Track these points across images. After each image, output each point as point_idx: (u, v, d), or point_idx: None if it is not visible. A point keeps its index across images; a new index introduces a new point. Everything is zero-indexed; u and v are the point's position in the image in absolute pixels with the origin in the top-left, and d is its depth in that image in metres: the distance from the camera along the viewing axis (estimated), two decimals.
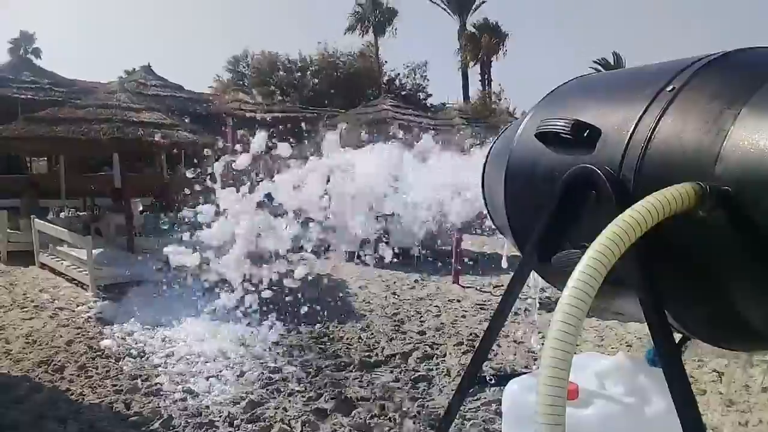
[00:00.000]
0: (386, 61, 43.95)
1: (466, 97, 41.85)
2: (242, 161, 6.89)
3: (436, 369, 5.93)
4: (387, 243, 11.28)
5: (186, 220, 7.84)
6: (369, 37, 44.06)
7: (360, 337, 6.95)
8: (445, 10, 43.87)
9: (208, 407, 5.00)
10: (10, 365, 5.92)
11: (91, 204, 14.14)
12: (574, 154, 1.35)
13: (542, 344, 1.06)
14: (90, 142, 10.50)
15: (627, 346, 6.59)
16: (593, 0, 77.18)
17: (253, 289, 7.11)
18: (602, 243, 1.02)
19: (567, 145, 1.37)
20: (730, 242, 1.05)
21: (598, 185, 1.24)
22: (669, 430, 1.27)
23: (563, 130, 1.36)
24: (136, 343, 6.61)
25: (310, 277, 7.81)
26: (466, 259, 10.60)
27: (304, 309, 7.74)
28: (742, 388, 5.13)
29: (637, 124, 1.24)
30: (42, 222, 10.91)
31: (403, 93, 39.45)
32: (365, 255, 11.30)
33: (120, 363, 6.00)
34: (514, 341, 6.74)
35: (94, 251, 9.08)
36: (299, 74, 40.41)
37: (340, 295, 8.95)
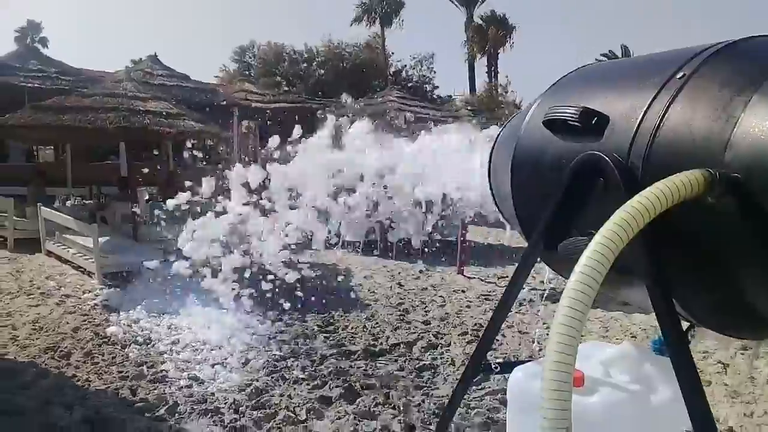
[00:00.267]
0: (393, 53, 43.89)
1: (472, 89, 41.77)
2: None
3: (441, 358, 5.94)
4: (391, 233, 11.33)
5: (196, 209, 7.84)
6: (375, 29, 44.00)
7: (365, 327, 6.97)
8: (452, 1, 43.74)
9: (213, 394, 5.02)
10: (17, 351, 5.95)
11: (98, 192, 14.20)
12: (582, 141, 1.35)
13: (547, 334, 1.06)
14: (96, 131, 10.50)
15: (632, 337, 6.58)
16: None
17: (259, 277, 7.14)
18: (610, 229, 1.02)
19: (575, 132, 1.37)
20: (740, 229, 1.05)
21: (606, 172, 1.24)
22: (675, 417, 1.28)
23: (571, 117, 1.36)
24: (141, 331, 6.64)
25: (315, 267, 7.84)
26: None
27: (310, 298, 7.77)
28: (747, 380, 5.13)
29: (646, 112, 1.23)
30: (48, 210, 10.95)
31: (410, 85, 39.38)
32: (370, 245, 11.37)
33: (126, 350, 6.03)
34: (519, 332, 6.76)
35: (100, 239, 9.11)
36: (305, 65, 40.35)
37: (346, 284, 8.96)
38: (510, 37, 41.35)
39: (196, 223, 6.99)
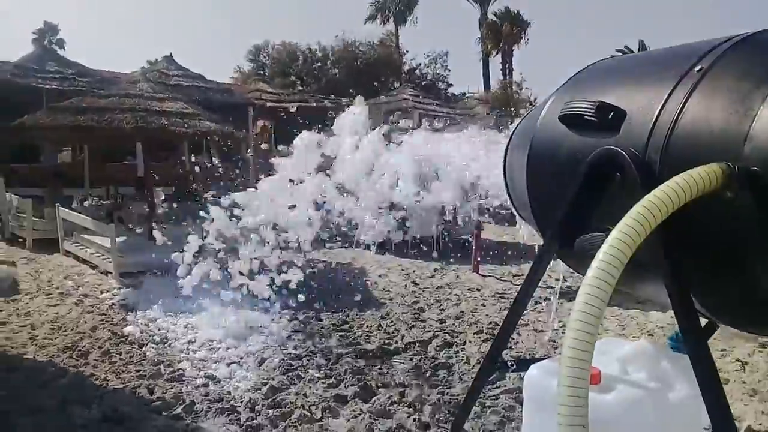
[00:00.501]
0: (407, 51, 43.88)
1: (487, 86, 41.65)
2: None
3: (456, 357, 5.93)
4: (406, 232, 11.33)
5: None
6: (389, 27, 44.03)
7: (380, 325, 6.97)
8: None
9: (229, 393, 5.04)
10: (36, 350, 6.02)
11: (114, 193, 14.30)
12: (599, 136, 1.34)
13: (563, 332, 1.05)
14: (113, 131, 10.58)
15: (648, 335, 6.53)
16: None
17: (275, 277, 7.16)
18: (627, 224, 1.01)
19: (591, 127, 1.35)
20: (759, 223, 1.03)
21: (623, 167, 1.23)
22: (693, 414, 1.26)
23: (587, 112, 1.35)
24: (158, 330, 6.68)
25: (331, 265, 7.86)
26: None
27: (325, 297, 7.79)
28: (765, 378, 5.07)
29: (663, 106, 1.22)
30: (66, 210, 11.05)
31: (424, 83, 39.35)
32: (386, 244, 11.36)
33: (143, 349, 6.07)
34: (535, 330, 6.73)
35: (117, 239, 9.19)
36: (319, 64, 40.43)
37: (361, 283, 8.97)
38: (525, 34, 41.19)
39: (214, 223, 7.05)
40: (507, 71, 41.49)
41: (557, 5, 74.85)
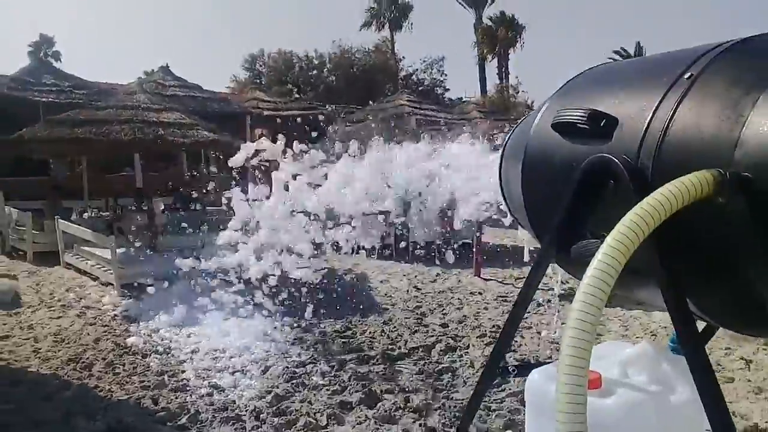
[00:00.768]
0: (404, 57, 43.96)
1: (483, 91, 41.70)
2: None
3: (460, 361, 5.94)
4: (407, 238, 11.37)
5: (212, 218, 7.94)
6: (385, 33, 44.11)
7: (383, 331, 6.98)
8: (460, 3, 43.74)
9: (234, 402, 5.05)
10: (39, 363, 6.03)
11: (114, 204, 14.32)
12: (591, 144, 1.35)
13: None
14: (111, 143, 10.62)
15: (652, 335, 6.54)
16: None
17: (277, 285, 7.19)
18: (621, 232, 1.03)
19: (584, 135, 1.37)
20: (751, 228, 1.05)
21: (616, 174, 1.25)
22: (695, 417, 1.28)
23: (579, 120, 1.37)
24: (161, 340, 6.70)
25: (333, 273, 7.88)
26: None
27: (327, 304, 7.80)
28: None
29: (654, 113, 1.24)
30: (66, 222, 11.08)
31: (420, 88, 39.41)
32: (387, 250, 11.39)
33: (147, 360, 6.08)
34: (537, 332, 6.74)
35: (117, 250, 9.21)
36: (315, 72, 40.49)
37: (363, 289, 8.98)
38: (520, 38, 41.26)
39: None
40: (503, 75, 41.56)
41: (552, 8, 74.99)
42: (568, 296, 6.20)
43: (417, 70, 43.48)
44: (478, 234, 10.43)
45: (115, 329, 7.17)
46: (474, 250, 10.46)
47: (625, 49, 38.12)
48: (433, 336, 6.76)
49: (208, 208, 11.69)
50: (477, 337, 6.65)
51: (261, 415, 4.79)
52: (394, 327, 7.16)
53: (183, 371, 5.77)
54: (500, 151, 1.96)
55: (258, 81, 40.13)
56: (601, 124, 1.33)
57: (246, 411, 4.87)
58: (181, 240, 10.21)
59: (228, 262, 7.28)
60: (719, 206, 1.06)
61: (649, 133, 1.22)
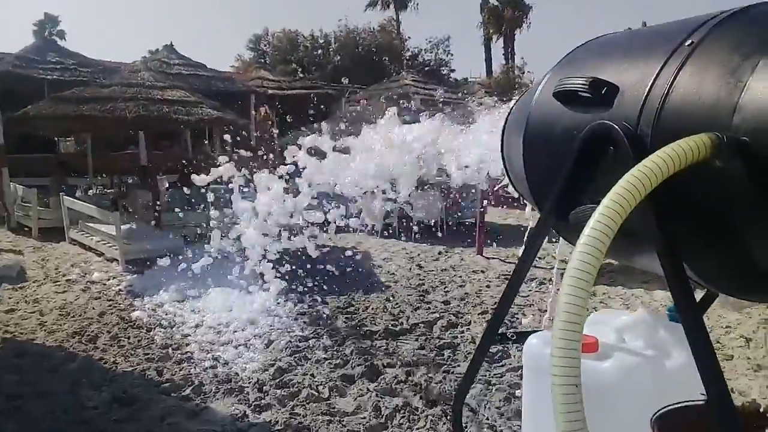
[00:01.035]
0: (409, 37, 43.68)
1: (489, 71, 41.45)
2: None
3: (461, 337, 5.99)
4: (410, 216, 11.39)
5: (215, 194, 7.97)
6: (390, 13, 43.78)
7: (385, 307, 7.03)
8: None
9: (237, 374, 5.12)
10: (45, 336, 6.10)
11: (118, 181, 14.37)
12: (593, 112, 1.36)
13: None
14: (116, 120, 10.62)
15: None
16: None
17: (280, 261, 7.23)
18: (617, 192, 1.04)
19: (585, 103, 1.38)
20: (747, 191, 1.06)
21: (615, 141, 1.26)
22: (690, 382, 1.30)
23: (581, 88, 1.37)
24: (166, 314, 6.77)
25: (336, 250, 7.92)
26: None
27: (330, 280, 7.85)
28: None
29: (655, 80, 1.25)
30: (71, 199, 11.13)
31: (426, 68, 39.21)
32: (390, 228, 11.42)
33: (151, 333, 6.15)
34: (539, 309, 6.78)
35: (122, 227, 9.26)
36: (320, 51, 40.30)
37: (365, 267, 9.03)
38: (526, 18, 40.89)
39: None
40: (509, 55, 41.26)
41: None
42: None
43: (423, 50, 43.25)
44: (481, 213, 10.45)
45: (119, 303, 7.24)
46: (477, 228, 10.49)
47: (631, 29, 37.75)
48: (435, 312, 6.82)
49: (211, 185, 11.70)
50: (479, 314, 6.71)
51: (264, 387, 4.85)
52: (397, 304, 7.21)
53: (187, 344, 5.85)
54: (502, 123, 1.96)
55: (263, 60, 39.94)
56: (603, 92, 1.33)
57: (249, 383, 4.93)
58: (185, 217, 10.26)
59: (232, 239, 7.32)
60: (716, 170, 1.07)
61: (649, 99, 1.23)
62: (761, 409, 1.97)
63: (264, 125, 21.50)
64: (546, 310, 6.70)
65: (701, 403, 1.36)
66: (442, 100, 19.45)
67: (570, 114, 1.44)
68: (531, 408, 1.66)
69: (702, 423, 1.31)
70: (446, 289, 7.94)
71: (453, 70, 43.55)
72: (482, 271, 8.98)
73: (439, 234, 11.47)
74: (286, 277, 7.27)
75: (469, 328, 6.25)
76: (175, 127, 13.52)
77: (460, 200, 12.27)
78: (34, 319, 6.65)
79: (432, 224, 11.80)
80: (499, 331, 1.72)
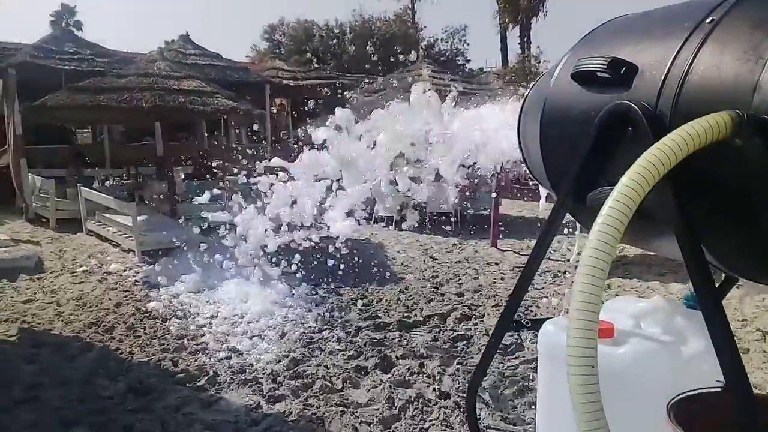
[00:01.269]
0: (425, 27, 43.48)
1: (504, 61, 41.11)
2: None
3: (475, 329, 5.96)
4: (425, 208, 11.35)
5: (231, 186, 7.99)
6: (406, 2, 43.59)
7: (399, 299, 7.02)
8: None
9: (251, 365, 5.13)
10: (62, 326, 6.14)
11: (135, 173, 14.46)
12: (611, 92, 1.34)
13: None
14: (132, 111, 10.67)
15: None
16: None
17: (294, 253, 7.24)
18: (636, 171, 1.02)
19: (603, 83, 1.36)
20: None
21: (634, 121, 1.23)
22: (707, 369, 1.27)
23: (600, 68, 1.35)
24: (181, 305, 6.79)
25: (349, 242, 7.90)
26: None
27: (344, 272, 7.85)
28: None
29: (674, 59, 1.22)
30: (89, 190, 11.21)
31: (442, 58, 39.02)
32: (403, 220, 11.38)
33: (167, 324, 6.18)
34: (553, 305, 6.74)
35: (139, 217, 9.31)
36: (336, 41, 40.24)
37: (379, 258, 9.02)
38: (543, 6, 40.43)
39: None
40: (525, 45, 40.86)
41: None
42: None
43: (439, 39, 43.07)
44: (495, 204, 10.40)
45: (135, 294, 7.28)
46: (491, 221, 10.44)
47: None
48: (448, 305, 6.79)
49: (227, 177, 11.74)
50: (492, 306, 6.67)
51: (278, 378, 4.86)
52: (410, 295, 7.20)
53: (202, 335, 5.86)
54: (519, 107, 1.94)
55: (278, 51, 39.98)
56: (621, 72, 1.31)
57: (263, 374, 4.94)
58: (201, 208, 10.29)
59: (247, 230, 7.33)
60: (736, 149, 1.04)
61: (669, 78, 1.21)
62: None
63: (279, 116, 21.55)
64: (560, 303, 6.67)
65: (718, 390, 1.34)
66: (460, 90, 19.32)
67: (588, 95, 1.42)
68: (546, 395, 1.65)
69: (718, 410, 1.29)
70: (460, 281, 7.91)
71: (469, 60, 43.34)
72: (496, 264, 8.93)
73: (451, 227, 11.43)
74: (301, 269, 7.28)
75: (482, 321, 6.23)
76: (191, 117, 13.57)
77: (474, 191, 12.22)
78: (51, 309, 6.70)
79: (446, 216, 11.76)
80: (514, 319, 1.71)
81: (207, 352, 5.44)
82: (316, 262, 7.63)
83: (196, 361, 5.23)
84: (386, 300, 7.00)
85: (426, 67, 23.04)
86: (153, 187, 11.68)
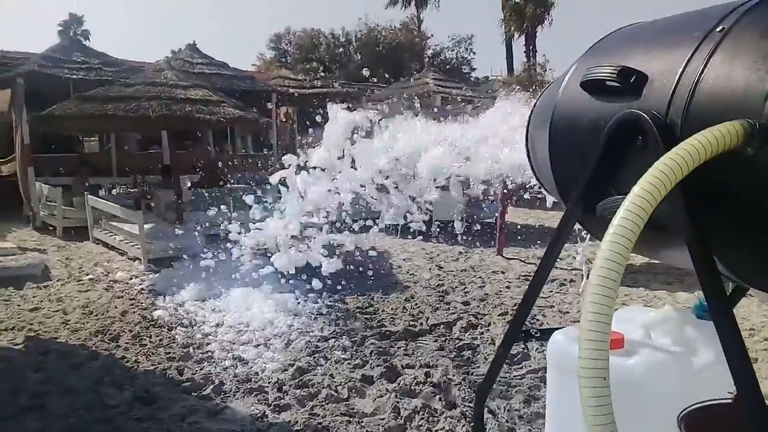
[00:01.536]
0: (431, 35, 43.61)
1: (510, 70, 41.14)
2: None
3: (481, 338, 5.94)
4: (430, 217, 11.33)
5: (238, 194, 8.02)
6: (411, 11, 43.75)
7: (404, 308, 7.00)
8: None
9: (257, 374, 5.12)
10: (68, 335, 6.15)
11: (141, 181, 14.50)
12: (621, 101, 1.33)
13: None
14: (140, 120, 10.68)
15: None
16: None
17: (300, 261, 7.24)
18: (647, 181, 1.01)
19: (613, 92, 1.35)
20: None
21: (644, 130, 1.23)
22: (717, 379, 1.26)
23: (609, 76, 1.34)
24: (187, 314, 6.79)
25: (354, 250, 7.91)
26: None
27: (350, 280, 7.84)
28: None
29: (684, 68, 1.21)
30: (95, 198, 11.25)
31: (448, 67, 39.12)
32: (409, 228, 11.38)
33: (172, 332, 6.18)
34: (560, 311, 6.72)
35: (145, 226, 9.33)
36: (342, 50, 40.40)
37: (385, 267, 9.00)
38: (548, 15, 40.46)
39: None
40: (531, 53, 40.88)
41: None
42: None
43: (445, 48, 43.18)
44: (501, 213, 10.38)
45: (141, 302, 7.28)
46: (497, 229, 10.42)
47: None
48: (454, 313, 6.77)
49: (233, 185, 11.75)
50: (498, 315, 6.65)
51: (283, 387, 4.85)
52: (416, 304, 7.18)
53: (208, 344, 5.86)
54: (527, 116, 1.93)
55: (284, 59, 40.15)
56: (631, 81, 1.30)
57: (269, 383, 4.93)
58: (208, 216, 10.32)
59: (253, 239, 7.35)
60: (748, 158, 1.03)
61: (679, 88, 1.20)
62: None
63: (285, 125, 21.59)
64: (567, 312, 6.65)
65: (729, 401, 1.33)
66: (464, 98, 19.35)
67: (597, 104, 1.41)
68: (555, 405, 1.64)
69: (729, 421, 1.28)
70: (466, 290, 7.89)
71: (474, 69, 43.46)
72: (502, 272, 8.91)
73: (457, 234, 11.41)
74: (306, 277, 7.27)
75: (488, 329, 6.20)
76: (197, 126, 13.59)
77: (480, 200, 12.19)
78: (57, 317, 6.71)
79: (452, 224, 11.74)
80: (523, 329, 1.70)
81: (212, 360, 5.44)
82: (322, 271, 7.62)
83: (201, 369, 5.23)
84: (392, 308, 6.99)
85: (431, 76, 23.06)
86: (160, 196, 11.70)
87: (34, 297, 7.57)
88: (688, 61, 1.21)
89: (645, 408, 1.38)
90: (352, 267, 7.83)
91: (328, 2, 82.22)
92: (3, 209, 13.14)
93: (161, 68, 12.60)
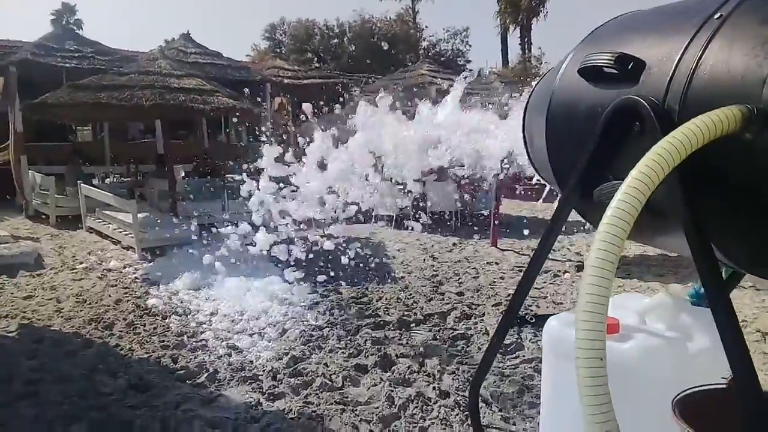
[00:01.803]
0: (426, 27, 43.53)
1: (505, 62, 41.13)
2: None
3: (474, 328, 5.96)
4: (424, 208, 11.35)
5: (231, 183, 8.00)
6: (407, 2, 43.62)
7: (399, 298, 7.02)
8: None
9: (251, 362, 5.13)
10: (62, 323, 6.14)
11: (135, 170, 14.45)
12: (618, 88, 1.33)
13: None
14: (133, 108, 10.62)
15: None
16: None
17: (295, 251, 7.24)
18: (644, 165, 1.02)
19: (611, 79, 1.35)
20: None
21: (642, 116, 1.23)
22: (712, 364, 1.27)
23: (607, 63, 1.34)
24: (181, 302, 6.79)
25: (349, 240, 7.92)
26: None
27: (344, 270, 7.85)
28: None
29: (682, 54, 1.22)
30: (89, 187, 11.21)
31: (442, 59, 39.06)
32: (403, 219, 11.40)
33: (167, 321, 6.17)
34: (554, 302, 6.74)
35: (139, 215, 9.31)
36: (336, 41, 40.28)
37: (379, 257, 9.01)
38: (543, 7, 40.45)
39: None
40: (526, 46, 40.88)
41: None
42: (583, 268, 6.17)
43: (440, 40, 43.11)
44: (495, 204, 10.41)
45: (135, 291, 7.28)
46: (491, 220, 10.44)
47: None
48: (448, 303, 6.79)
49: (227, 176, 11.73)
50: (492, 306, 6.67)
51: (278, 376, 4.86)
52: (410, 294, 7.19)
53: (202, 332, 5.86)
54: (524, 104, 1.93)
55: (278, 50, 40.00)
56: (629, 67, 1.30)
57: (263, 371, 4.94)
58: (201, 206, 10.30)
59: (247, 228, 7.34)
60: (746, 143, 1.04)
61: (677, 74, 1.20)
62: None
63: (279, 115, 21.53)
64: (560, 303, 6.67)
65: (723, 386, 1.34)
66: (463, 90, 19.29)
67: (595, 91, 1.41)
68: (550, 388, 1.65)
69: (724, 406, 1.29)
70: (460, 281, 7.91)
71: (469, 61, 43.41)
72: (496, 263, 8.94)
73: (451, 225, 11.45)
74: (301, 266, 7.28)
75: (482, 320, 6.22)
76: (191, 115, 13.54)
77: (474, 191, 12.23)
78: (51, 305, 6.70)
79: (446, 215, 11.77)
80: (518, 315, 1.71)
81: (207, 349, 5.44)
82: (316, 261, 7.62)
83: (195, 358, 5.24)
84: (386, 298, 7.00)
85: (426, 67, 23.00)
86: (153, 185, 11.67)
87: (27, 285, 7.55)
88: (686, 47, 1.22)
89: (640, 392, 1.39)
90: (347, 257, 7.83)
91: None
92: None
93: (155, 57, 12.56)
